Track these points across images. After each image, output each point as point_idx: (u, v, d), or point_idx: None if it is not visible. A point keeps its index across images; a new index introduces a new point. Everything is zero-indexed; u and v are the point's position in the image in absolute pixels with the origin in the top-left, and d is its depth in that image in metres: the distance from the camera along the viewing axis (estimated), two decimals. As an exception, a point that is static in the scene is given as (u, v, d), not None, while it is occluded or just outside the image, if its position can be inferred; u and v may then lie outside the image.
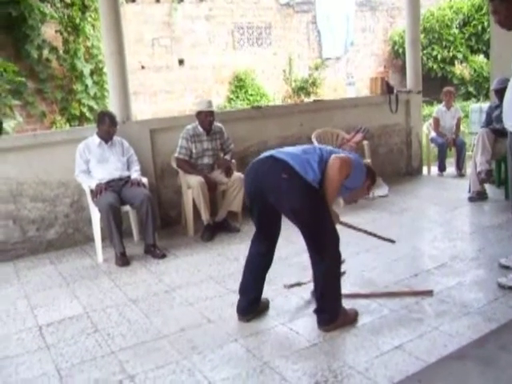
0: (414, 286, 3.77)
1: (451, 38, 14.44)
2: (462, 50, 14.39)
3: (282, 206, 3.16)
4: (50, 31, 9.58)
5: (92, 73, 9.79)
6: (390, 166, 7.41)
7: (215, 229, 5.32)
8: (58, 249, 5.22)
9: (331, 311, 3.22)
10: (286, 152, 3.19)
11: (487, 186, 6.20)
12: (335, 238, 3.19)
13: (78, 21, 9.56)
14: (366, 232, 3.90)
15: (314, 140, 6.27)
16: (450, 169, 7.83)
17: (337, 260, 3.22)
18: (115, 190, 4.83)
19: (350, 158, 3.16)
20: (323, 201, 3.12)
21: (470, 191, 6.10)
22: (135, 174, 5.02)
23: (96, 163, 4.93)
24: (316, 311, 3.26)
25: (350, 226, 3.79)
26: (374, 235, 3.93)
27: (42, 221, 5.17)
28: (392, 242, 3.98)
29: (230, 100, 13.27)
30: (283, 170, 3.06)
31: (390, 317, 3.36)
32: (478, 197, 6.01)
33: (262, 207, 3.26)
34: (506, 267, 3.94)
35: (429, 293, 3.63)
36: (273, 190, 3.12)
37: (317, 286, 3.23)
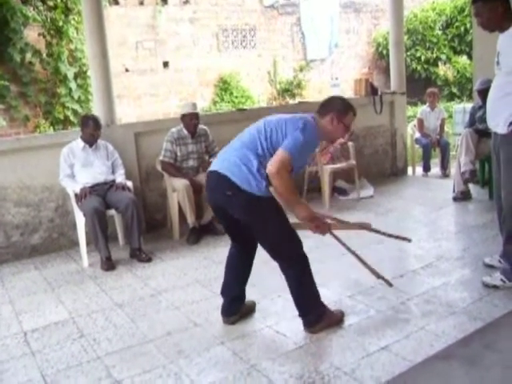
0: (399, 287, 3.78)
1: (434, 40, 14.52)
2: (445, 51, 14.47)
3: (238, 218, 3.14)
4: (32, 34, 9.50)
5: (76, 76, 9.72)
6: (375, 166, 7.44)
7: (201, 232, 5.31)
8: (43, 254, 5.18)
9: (314, 312, 3.22)
10: (228, 161, 3.09)
11: (471, 186, 6.25)
12: (294, 243, 3.14)
13: (61, 24, 9.49)
14: (379, 232, 3.71)
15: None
16: (435, 169, 7.89)
17: (303, 263, 3.18)
18: (100, 194, 4.81)
19: (284, 154, 2.92)
20: (275, 208, 3.08)
21: (454, 191, 6.15)
22: (120, 177, 5.00)
23: (80, 167, 4.91)
24: (300, 315, 3.26)
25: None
26: (388, 235, 3.71)
27: (26, 226, 5.13)
28: (408, 240, 3.78)
29: (214, 102, 13.24)
30: (226, 188, 3.02)
31: (377, 317, 3.37)
32: (463, 197, 6.06)
33: (225, 218, 3.25)
34: (491, 266, 3.97)
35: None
36: (225, 206, 3.12)
37: (292, 292, 3.22)
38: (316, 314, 3.21)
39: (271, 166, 2.92)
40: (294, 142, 2.96)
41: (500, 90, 3.53)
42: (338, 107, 3.16)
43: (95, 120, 4.99)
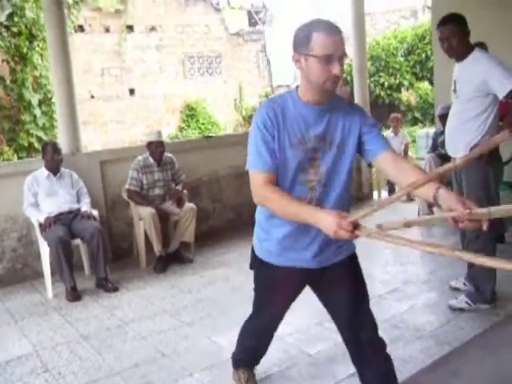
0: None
1: (397, 66, 14.86)
2: (407, 77, 14.81)
3: None
4: (-4, 61, 9.44)
5: (41, 103, 9.66)
6: (342, 191, 7.49)
7: (168, 260, 5.26)
8: (6, 285, 5.05)
9: (233, 356, 2.91)
10: None
11: (436, 210, 6.34)
12: (253, 312, 2.65)
13: (25, 50, 9.45)
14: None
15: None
16: (400, 193, 7.98)
17: (246, 326, 2.74)
18: (65, 224, 4.74)
19: (250, 173, 2.16)
20: (262, 269, 2.43)
21: (419, 215, 6.23)
22: (85, 206, 4.94)
23: (44, 196, 4.84)
24: None
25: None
26: None
27: (-11, 256, 5.02)
28: None
29: (181, 129, 13.28)
30: None
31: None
32: (427, 220, 6.13)
33: None
34: (457, 289, 4.03)
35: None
36: None
37: None
38: (233, 359, 2.91)
39: (254, 196, 2.17)
40: (249, 150, 2.20)
41: (459, 118, 3.62)
42: (294, 40, 2.11)
43: (53, 145, 4.99)
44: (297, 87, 2.20)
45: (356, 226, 1.85)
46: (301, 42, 2.05)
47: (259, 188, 2.11)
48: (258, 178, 2.12)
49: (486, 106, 3.57)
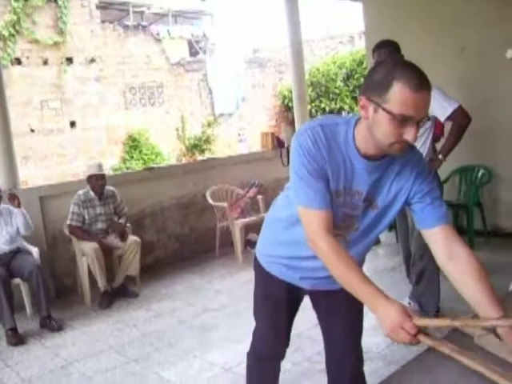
0: (313, 336, 3.80)
1: (337, 91, 15.18)
2: (347, 101, 15.14)
3: None
4: None
5: (-23, 139, 9.41)
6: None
7: (113, 295, 5.15)
8: None
9: None
10: None
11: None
12: (258, 332, 2.46)
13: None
14: None
15: (208, 198, 6.30)
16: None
17: (251, 354, 2.50)
18: (3, 263, 4.59)
19: (299, 209, 1.81)
20: (257, 282, 2.38)
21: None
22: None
23: (-17, 237, 4.69)
24: None
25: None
26: None
27: None
28: None
29: (124, 161, 13.14)
30: None
31: (294, 370, 3.37)
32: (372, 242, 6.24)
33: None
34: (401, 309, 4.08)
35: None
36: None
37: None
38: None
39: (307, 234, 1.79)
40: (293, 181, 1.82)
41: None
42: (368, 80, 1.68)
43: None
44: (356, 121, 1.75)
45: (420, 330, 1.53)
46: (375, 86, 1.61)
47: (313, 234, 1.75)
48: (310, 220, 1.76)
49: (425, 128, 3.70)
